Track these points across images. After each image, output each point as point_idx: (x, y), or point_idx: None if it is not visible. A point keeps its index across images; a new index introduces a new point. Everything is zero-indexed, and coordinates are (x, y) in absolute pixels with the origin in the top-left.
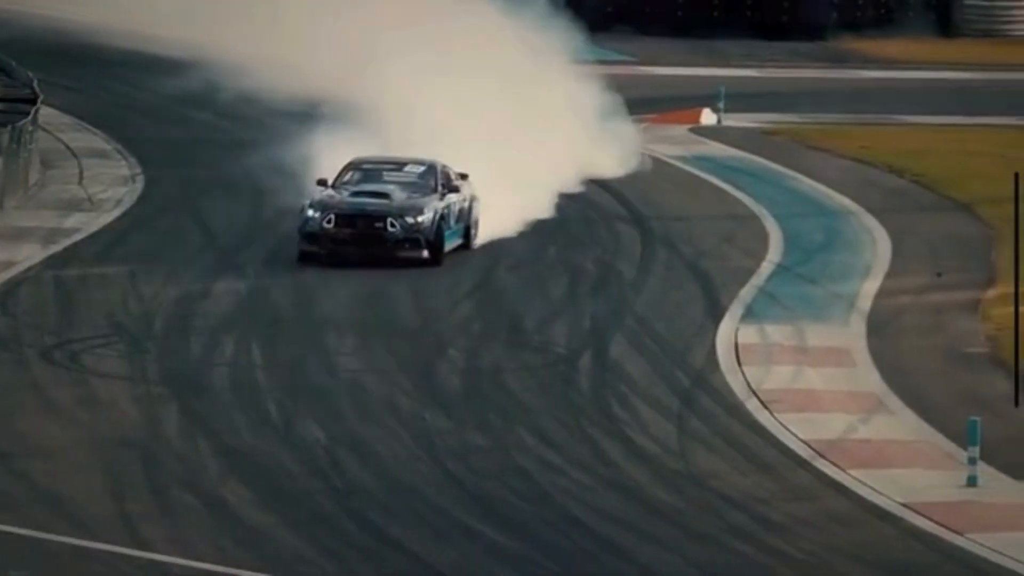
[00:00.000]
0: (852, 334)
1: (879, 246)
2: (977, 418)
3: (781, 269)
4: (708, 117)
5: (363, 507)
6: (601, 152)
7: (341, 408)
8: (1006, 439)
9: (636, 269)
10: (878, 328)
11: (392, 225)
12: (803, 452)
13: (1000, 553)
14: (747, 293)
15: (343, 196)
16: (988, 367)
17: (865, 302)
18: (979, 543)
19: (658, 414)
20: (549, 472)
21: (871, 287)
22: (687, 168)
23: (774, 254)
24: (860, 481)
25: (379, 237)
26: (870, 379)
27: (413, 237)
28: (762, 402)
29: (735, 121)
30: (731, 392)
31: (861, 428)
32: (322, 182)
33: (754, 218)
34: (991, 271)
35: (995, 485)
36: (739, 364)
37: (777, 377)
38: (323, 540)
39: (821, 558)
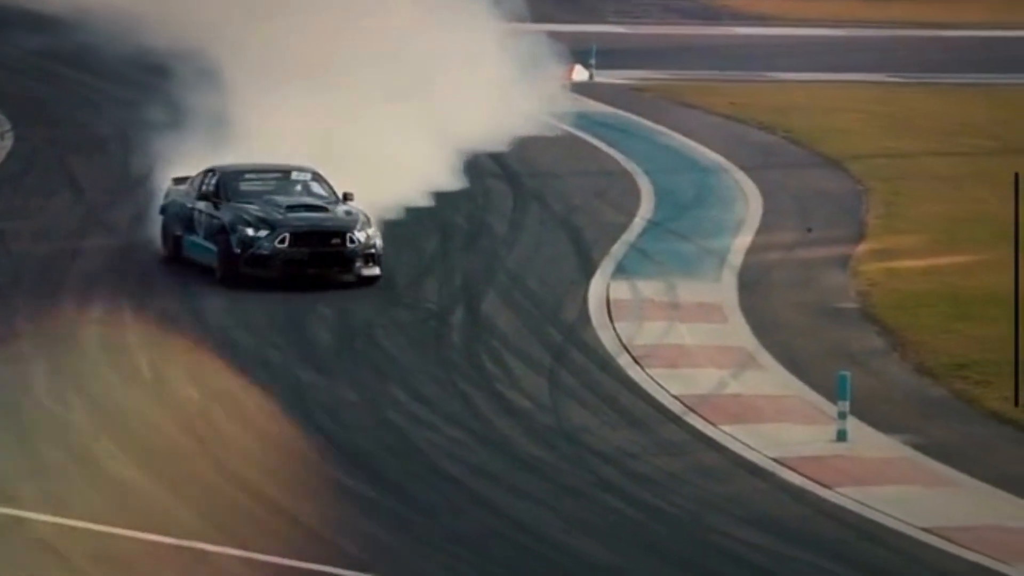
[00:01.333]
0: (723, 290)
1: (750, 202)
2: (847, 373)
3: (652, 225)
4: (580, 73)
5: (235, 463)
6: (517, 111)
7: (213, 364)
8: (875, 394)
9: (508, 225)
10: (749, 284)
11: (351, 240)
12: (674, 407)
13: (869, 507)
14: (619, 249)
15: (282, 212)
16: (858, 322)
17: (736, 258)
18: (848, 497)
19: (530, 369)
20: (421, 427)
21: (742, 243)
22: (559, 124)
23: (646, 210)
24: (731, 436)
25: (339, 255)
26: (741, 334)
27: (369, 252)
28: (633, 357)
29: (607, 78)
30: (603, 347)
31: (732, 383)
32: (180, 180)
33: (626, 174)
34: (860, 227)
35: (865, 439)
36: (611, 320)
37: (648, 333)
38: (195, 497)
39: (692, 512)
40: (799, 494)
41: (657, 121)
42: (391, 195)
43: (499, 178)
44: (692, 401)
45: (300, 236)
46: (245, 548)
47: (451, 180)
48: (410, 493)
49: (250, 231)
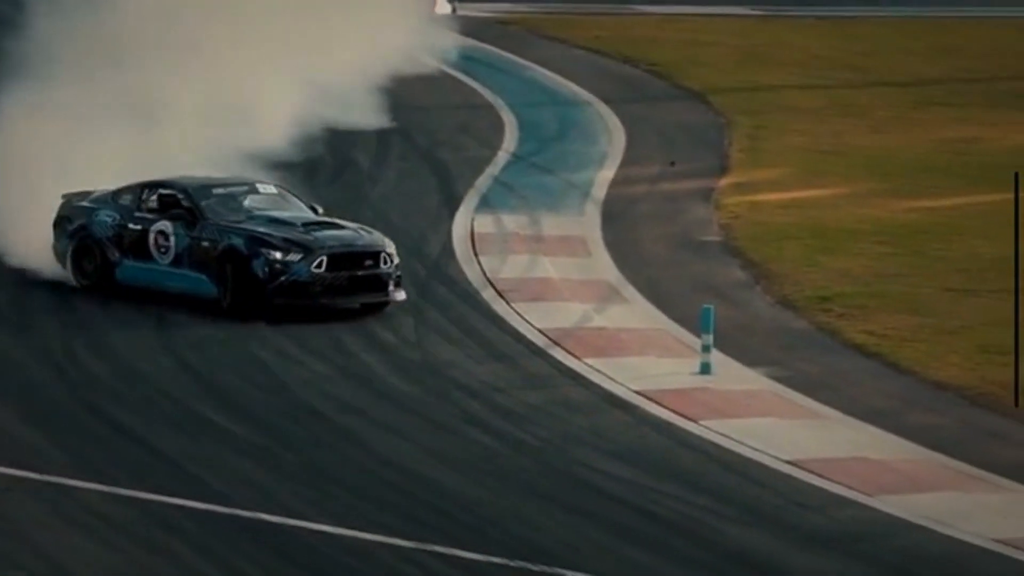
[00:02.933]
0: (587, 223)
1: (613, 135)
2: (710, 306)
3: (516, 159)
4: (442, 7)
5: (97, 398)
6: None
7: (76, 301)
8: (739, 327)
9: (372, 160)
10: (613, 217)
11: (385, 262)
12: (539, 341)
13: (732, 439)
14: (483, 183)
15: (304, 231)
16: (721, 255)
17: (600, 191)
18: (712, 430)
19: (395, 304)
20: (286, 362)
21: (606, 176)
22: (422, 58)
23: (510, 144)
24: (595, 369)
25: (377, 278)
26: (605, 268)
27: (398, 274)
28: (498, 291)
29: (470, 10)
30: (467, 282)
31: (596, 317)
32: (76, 196)
33: (489, 108)
34: (723, 160)
35: (728, 372)
36: (475, 254)
37: (513, 266)
38: (56, 431)
39: (557, 445)
40: (663, 427)
41: (520, 54)
42: (255, 132)
43: (363, 113)
44: (557, 335)
45: (336, 259)
46: (110, 483)
47: (314, 116)
48: (276, 428)
49: (278, 255)
